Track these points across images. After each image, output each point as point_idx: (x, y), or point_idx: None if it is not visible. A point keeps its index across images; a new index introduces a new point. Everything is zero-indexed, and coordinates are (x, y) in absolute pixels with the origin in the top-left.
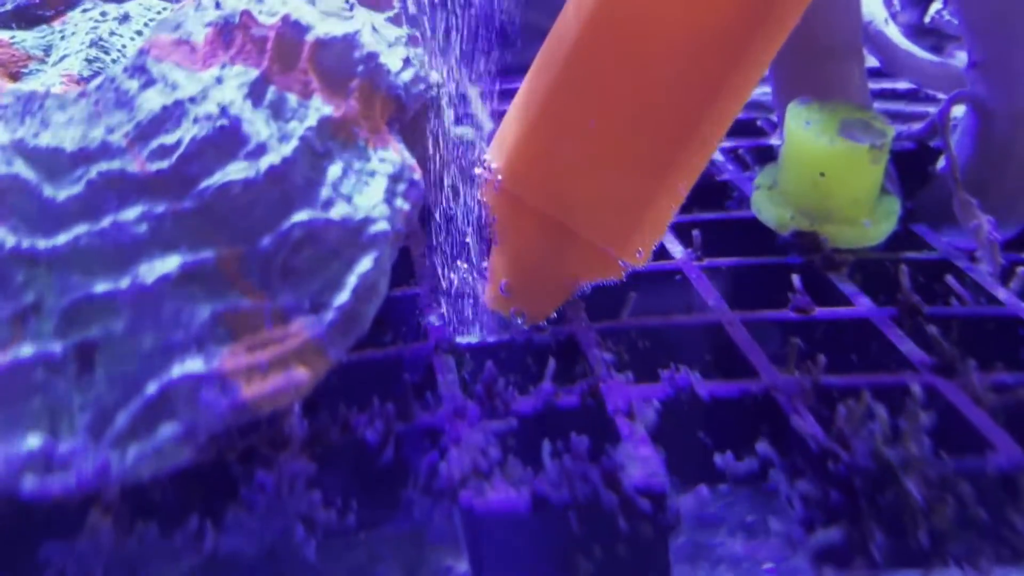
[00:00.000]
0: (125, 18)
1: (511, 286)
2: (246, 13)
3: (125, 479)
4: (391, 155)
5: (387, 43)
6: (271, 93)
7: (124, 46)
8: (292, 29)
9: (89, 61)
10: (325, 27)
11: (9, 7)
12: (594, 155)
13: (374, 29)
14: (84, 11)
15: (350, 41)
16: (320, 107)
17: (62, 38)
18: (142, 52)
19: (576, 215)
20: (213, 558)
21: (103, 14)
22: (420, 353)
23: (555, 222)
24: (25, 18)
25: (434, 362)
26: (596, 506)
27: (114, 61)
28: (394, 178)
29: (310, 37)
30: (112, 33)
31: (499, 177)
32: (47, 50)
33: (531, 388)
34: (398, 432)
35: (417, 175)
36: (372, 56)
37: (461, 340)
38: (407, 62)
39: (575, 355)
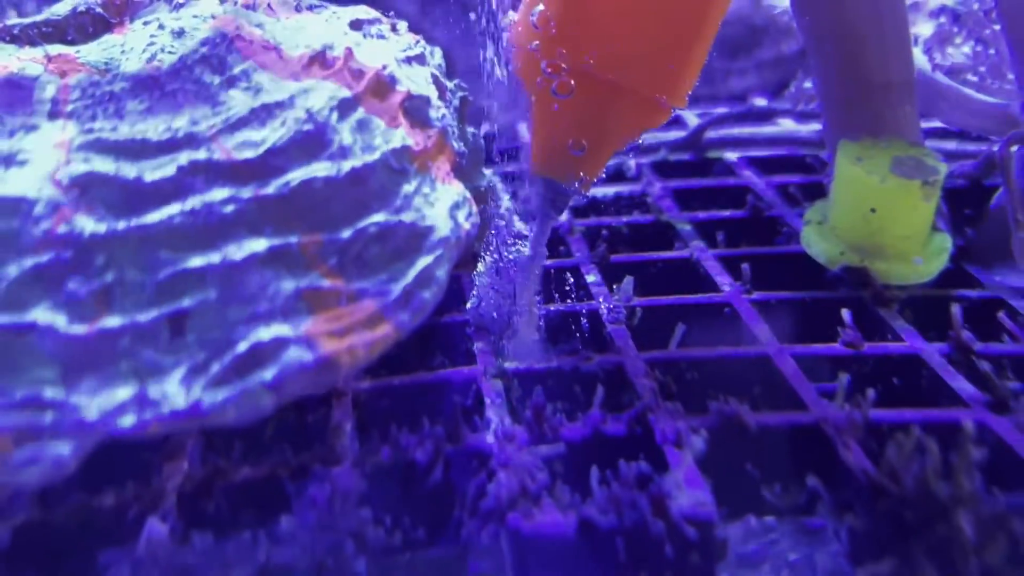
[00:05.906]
0: (180, 33)
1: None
2: (350, 49)
3: (213, 417)
4: (455, 189)
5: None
6: (359, 112)
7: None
8: (388, 78)
9: None
10: (411, 85)
11: (67, 12)
12: (638, 13)
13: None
14: (145, 23)
15: (428, 100)
16: (404, 137)
17: (122, 52)
18: (224, 40)
19: (629, 72)
20: (265, 569)
21: (160, 27)
22: (469, 377)
23: (606, 83)
24: (87, 22)
25: (482, 386)
26: (643, 532)
27: None
28: (457, 204)
29: (401, 88)
30: (164, 50)
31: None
32: (109, 64)
33: (579, 416)
34: (447, 454)
35: (475, 208)
36: (444, 117)
37: (509, 365)
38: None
39: (623, 384)
